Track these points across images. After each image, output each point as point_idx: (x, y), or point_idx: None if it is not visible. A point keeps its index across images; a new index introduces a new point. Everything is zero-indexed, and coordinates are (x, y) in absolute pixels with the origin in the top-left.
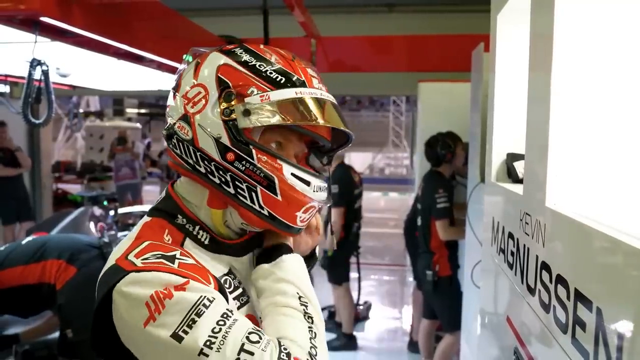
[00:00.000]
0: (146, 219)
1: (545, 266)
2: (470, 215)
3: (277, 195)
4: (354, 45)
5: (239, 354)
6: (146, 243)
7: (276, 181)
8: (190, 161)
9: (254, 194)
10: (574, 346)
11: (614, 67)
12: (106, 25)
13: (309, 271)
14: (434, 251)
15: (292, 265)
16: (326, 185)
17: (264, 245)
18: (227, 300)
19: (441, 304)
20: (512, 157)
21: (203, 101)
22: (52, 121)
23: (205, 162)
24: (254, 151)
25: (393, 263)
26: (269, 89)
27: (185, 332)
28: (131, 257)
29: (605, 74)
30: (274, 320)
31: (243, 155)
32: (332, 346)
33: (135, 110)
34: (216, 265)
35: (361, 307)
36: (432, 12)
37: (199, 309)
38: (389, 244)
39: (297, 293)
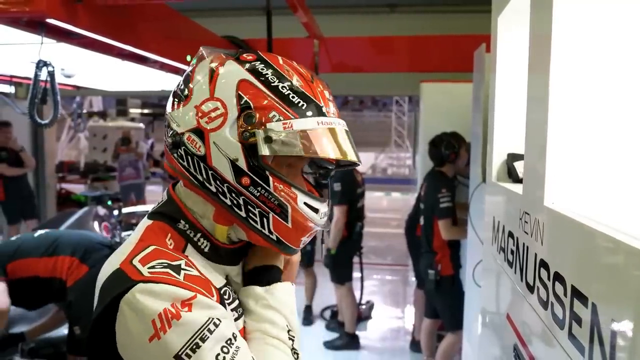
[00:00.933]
0: (147, 221)
1: (543, 264)
2: (472, 214)
3: (287, 223)
4: (356, 45)
5: None
6: (151, 248)
7: (289, 209)
8: (200, 177)
9: (265, 220)
10: (570, 341)
11: (612, 68)
12: (111, 26)
13: None
14: (437, 250)
15: (284, 294)
16: (328, 209)
17: (255, 263)
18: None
19: (443, 303)
20: (513, 157)
21: (221, 119)
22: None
23: (218, 182)
24: (270, 178)
25: (395, 263)
26: (292, 116)
27: (189, 356)
28: (136, 262)
29: (603, 75)
30: (264, 351)
31: (259, 181)
32: (334, 345)
33: (139, 111)
34: (216, 275)
35: (364, 307)
36: (434, 12)
37: (204, 333)
38: (391, 244)
39: (287, 326)
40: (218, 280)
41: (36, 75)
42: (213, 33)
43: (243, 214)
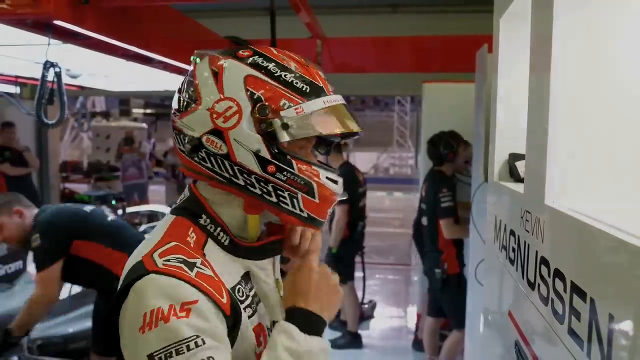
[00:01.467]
0: (171, 217)
1: (544, 261)
2: (475, 214)
3: (316, 199)
4: (358, 46)
5: None
6: (172, 244)
7: (315, 186)
8: (227, 175)
9: (295, 201)
10: (570, 336)
11: (612, 69)
12: (117, 28)
13: None
14: (442, 250)
15: (316, 350)
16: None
17: (302, 305)
18: (240, 313)
19: (450, 301)
20: (514, 157)
21: (237, 116)
22: None
23: (245, 176)
24: (294, 162)
25: (398, 263)
26: (300, 101)
27: None
28: (156, 255)
29: (604, 75)
30: None
31: (284, 166)
32: (337, 344)
33: (142, 111)
34: (232, 271)
35: (366, 306)
36: (437, 13)
37: (181, 347)
38: (393, 244)
39: None
40: (235, 276)
41: (43, 76)
42: (216, 34)
43: (274, 199)
